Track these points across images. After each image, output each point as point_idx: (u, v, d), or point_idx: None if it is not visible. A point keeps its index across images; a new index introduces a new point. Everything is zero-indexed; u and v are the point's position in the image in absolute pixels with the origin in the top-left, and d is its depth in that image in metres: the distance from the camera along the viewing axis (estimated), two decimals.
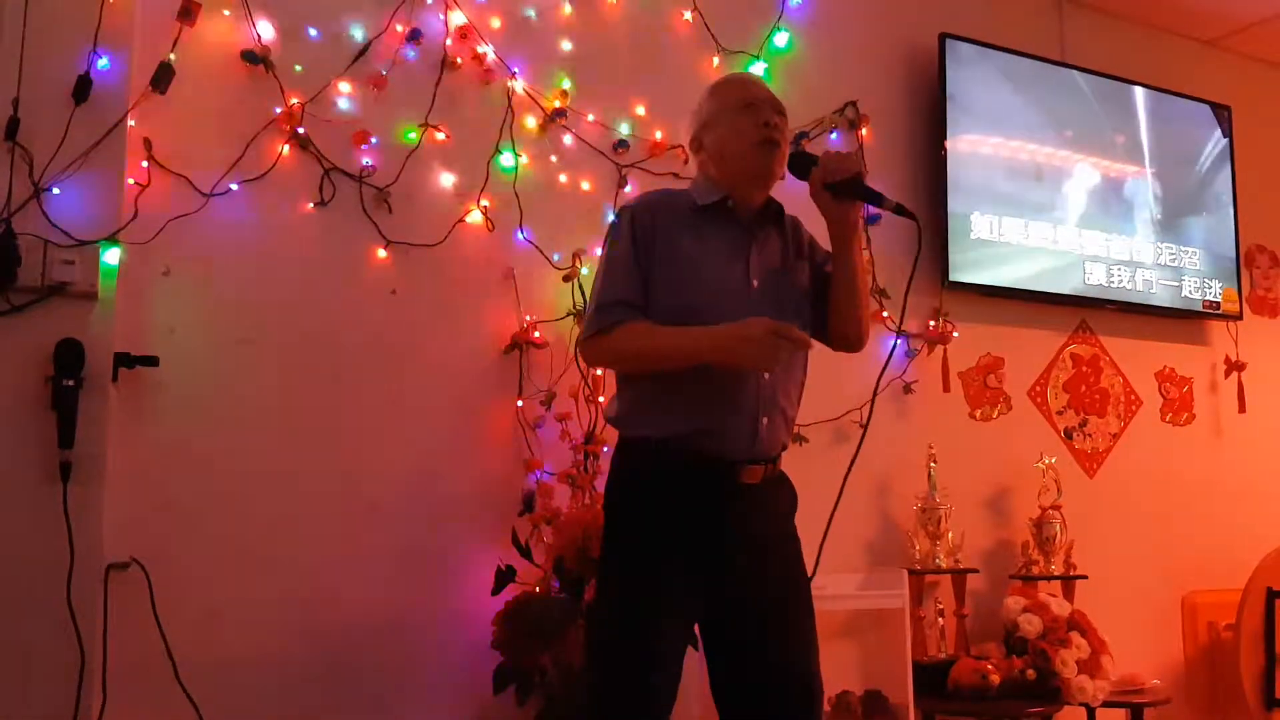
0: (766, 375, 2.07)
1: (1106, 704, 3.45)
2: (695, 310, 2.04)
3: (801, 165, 2.15)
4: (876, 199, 2.09)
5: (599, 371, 3.09)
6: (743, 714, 2.08)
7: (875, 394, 2.27)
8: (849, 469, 2.11)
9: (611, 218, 2.20)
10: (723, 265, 2.11)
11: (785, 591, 2.11)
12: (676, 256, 2.08)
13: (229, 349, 2.74)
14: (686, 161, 3.29)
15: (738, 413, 2.04)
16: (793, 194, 2.22)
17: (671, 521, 2.03)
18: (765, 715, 2.06)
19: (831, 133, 3.70)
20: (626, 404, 2.12)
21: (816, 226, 2.22)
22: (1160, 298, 4.29)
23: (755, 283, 2.12)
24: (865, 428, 2.24)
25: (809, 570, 2.15)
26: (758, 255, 2.15)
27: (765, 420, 2.07)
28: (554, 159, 3.25)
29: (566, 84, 3.27)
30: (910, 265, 2.23)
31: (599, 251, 3.20)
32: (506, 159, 3.15)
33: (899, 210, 2.11)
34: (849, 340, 2.24)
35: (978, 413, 3.94)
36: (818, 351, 2.29)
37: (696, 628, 2.13)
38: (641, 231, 2.10)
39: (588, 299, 2.25)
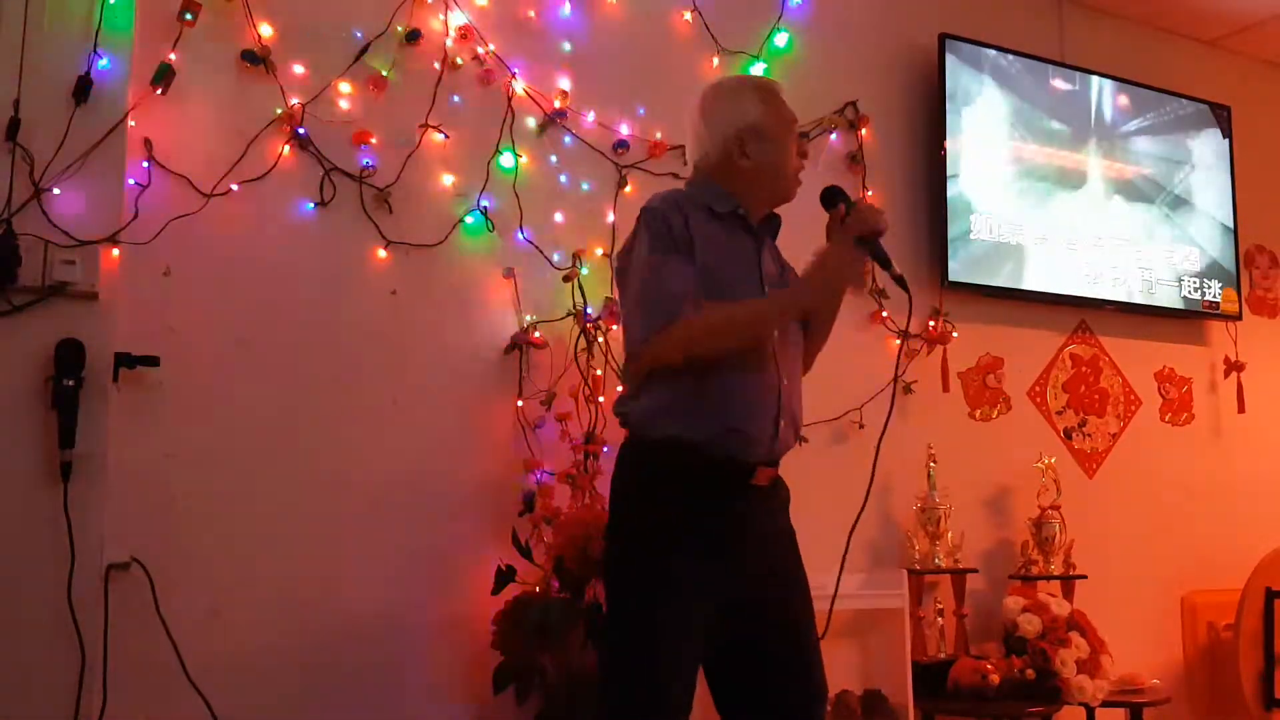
0: (786, 381, 2.11)
1: (1106, 704, 3.45)
2: None
3: (832, 200, 2.15)
4: (887, 262, 2.12)
5: (598, 371, 3.09)
6: (759, 713, 2.08)
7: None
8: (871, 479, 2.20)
9: (643, 218, 2.10)
10: (741, 273, 2.14)
11: (794, 590, 2.14)
12: (704, 263, 2.08)
13: (229, 349, 2.74)
14: (687, 161, 3.28)
15: (762, 416, 2.06)
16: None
17: (691, 523, 2.01)
18: (783, 713, 2.07)
19: (831, 133, 3.70)
20: (650, 405, 2.07)
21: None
22: (1160, 298, 4.29)
23: (767, 290, 2.16)
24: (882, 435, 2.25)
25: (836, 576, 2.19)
26: (766, 264, 2.19)
27: (783, 424, 2.10)
28: (554, 159, 3.25)
29: (566, 84, 3.27)
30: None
31: (600, 252, 3.23)
32: (506, 159, 3.15)
33: (899, 280, 2.14)
34: (804, 367, 2.29)
35: (977, 413, 3.94)
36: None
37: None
38: (679, 230, 2.07)
39: (629, 305, 2.12)
